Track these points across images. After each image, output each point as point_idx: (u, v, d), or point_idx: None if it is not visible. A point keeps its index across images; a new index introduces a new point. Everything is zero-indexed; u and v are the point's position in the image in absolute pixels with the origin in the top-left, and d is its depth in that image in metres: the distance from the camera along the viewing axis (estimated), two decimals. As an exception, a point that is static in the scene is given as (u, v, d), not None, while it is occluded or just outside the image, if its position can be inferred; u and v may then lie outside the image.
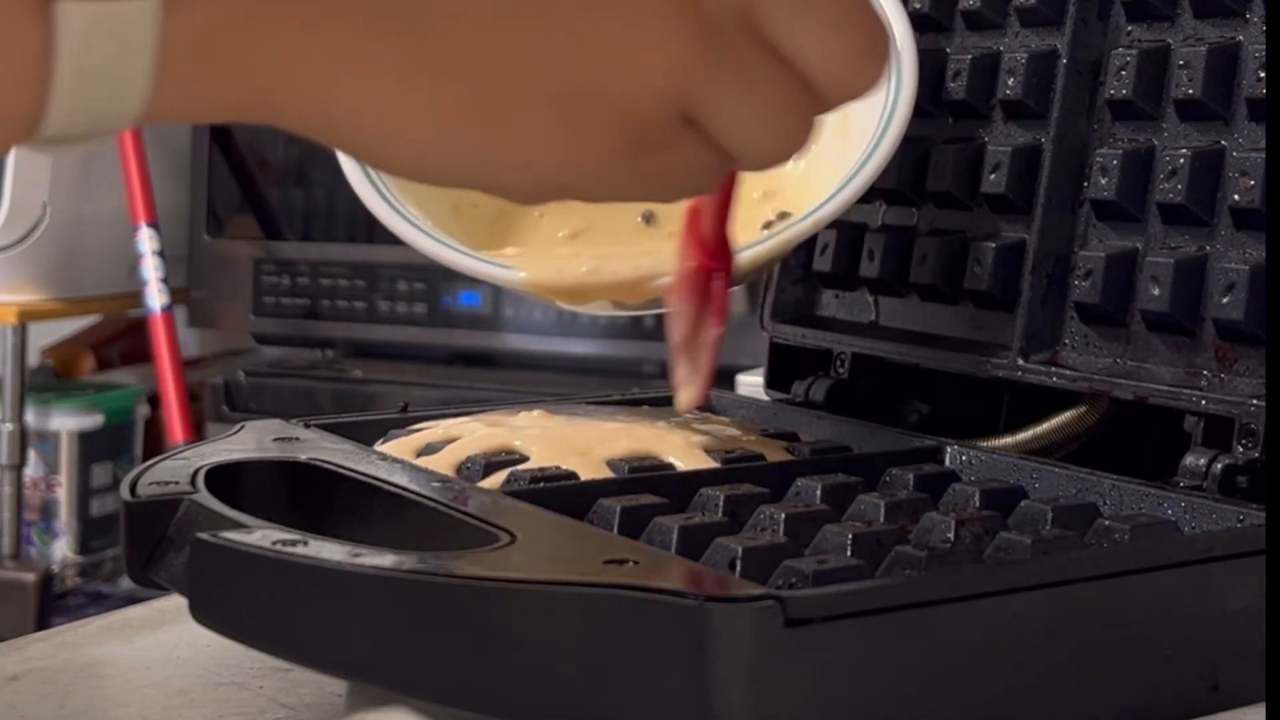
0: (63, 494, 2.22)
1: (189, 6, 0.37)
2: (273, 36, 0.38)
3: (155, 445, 2.22)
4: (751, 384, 0.94)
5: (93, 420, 2.22)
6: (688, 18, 0.40)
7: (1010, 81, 0.72)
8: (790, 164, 0.78)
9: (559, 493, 0.60)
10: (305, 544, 0.48)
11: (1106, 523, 0.56)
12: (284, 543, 0.48)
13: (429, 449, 0.66)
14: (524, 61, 0.39)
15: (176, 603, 0.57)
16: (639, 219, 0.76)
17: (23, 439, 2.11)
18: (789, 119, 0.42)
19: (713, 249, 0.61)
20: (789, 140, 0.43)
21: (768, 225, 0.74)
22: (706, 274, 0.61)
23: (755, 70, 0.41)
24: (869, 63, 0.42)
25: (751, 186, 0.76)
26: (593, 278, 0.70)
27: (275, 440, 0.65)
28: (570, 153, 0.41)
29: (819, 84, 0.42)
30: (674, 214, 0.76)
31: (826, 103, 0.43)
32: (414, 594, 0.46)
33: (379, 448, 0.66)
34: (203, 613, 0.50)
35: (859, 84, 0.42)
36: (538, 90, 0.40)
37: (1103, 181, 0.68)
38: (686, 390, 0.65)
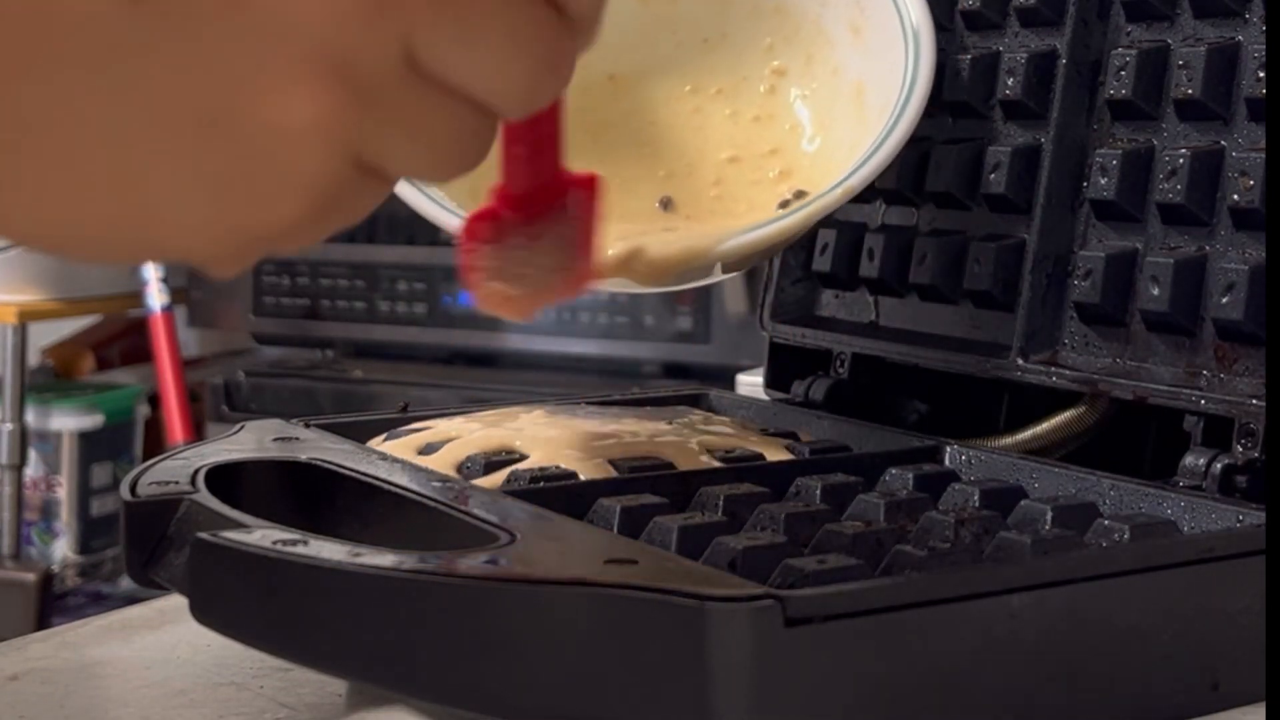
0: (63, 494, 2.22)
1: None
2: None
3: (155, 445, 2.23)
4: (751, 384, 0.94)
5: (93, 420, 2.22)
6: (330, 81, 0.38)
7: (1010, 81, 0.72)
8: (805, 142, 0.78)
9: (559, 492, 0.60)
10: (305, 544, 0.48)
11: (1106, 522, 0.56)
12: (284, 542, 0.48)
13: (428, 449, 0.66)
14: (175, 170, 0.38)
15: (176, 603, 0.57)
16: (656, 205, 0.76)
17: (23, 439, 2.11)
18: (463, 143, 0.42)
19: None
20: (466, 159, 0.42)
21: (784, 204, 0.73)
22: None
23: (422, 110, 0.40)
24: (541, 82, 0.41)
25: (767, 166, 0.76)
26: (651, 252, 0.68)
27: (275, 440, 0.65)
28: (263, 226, 0.40)
29: (493, 107, 0.41)
30: (690, 199, 0.76)
31: (504, 117, 0.43)
32: (414, 594, 0.46)
33: (373, 445, 0.66)
34: (203, 613, 0.50)
35: (533, 102, 0.42)
36: (199, 195, 0.38)
37: (1102, 181, 0.68)
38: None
